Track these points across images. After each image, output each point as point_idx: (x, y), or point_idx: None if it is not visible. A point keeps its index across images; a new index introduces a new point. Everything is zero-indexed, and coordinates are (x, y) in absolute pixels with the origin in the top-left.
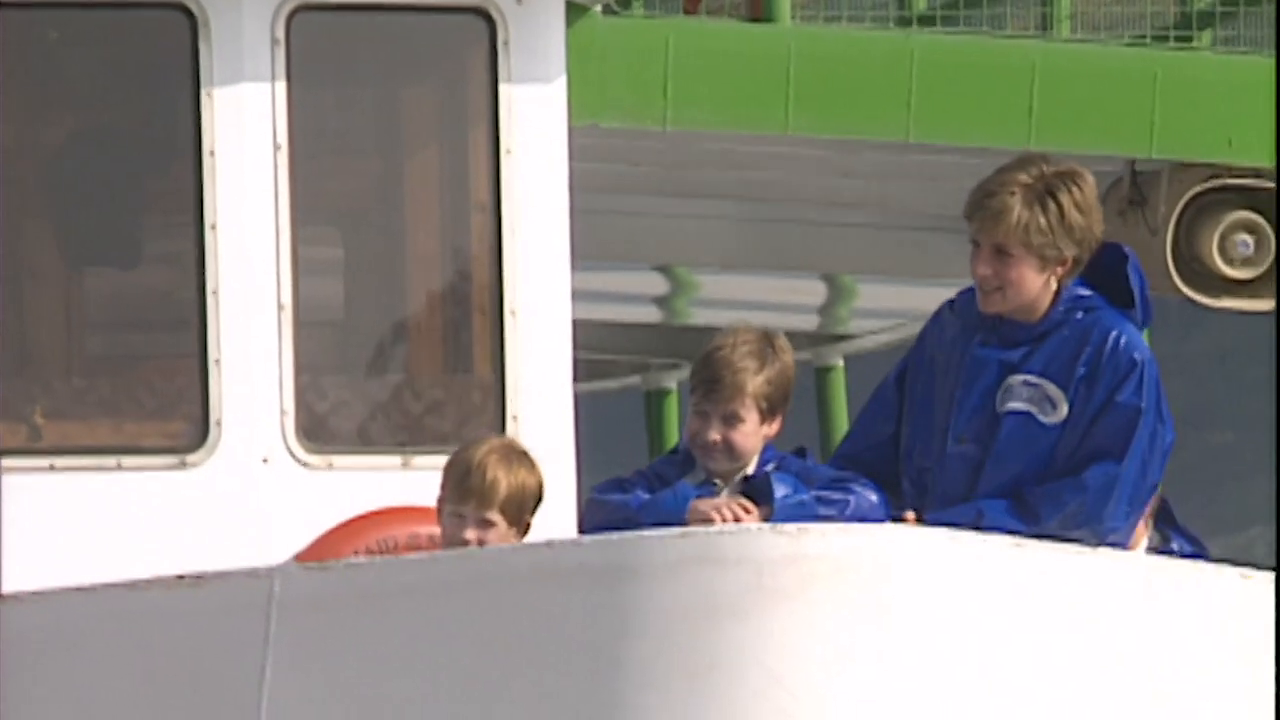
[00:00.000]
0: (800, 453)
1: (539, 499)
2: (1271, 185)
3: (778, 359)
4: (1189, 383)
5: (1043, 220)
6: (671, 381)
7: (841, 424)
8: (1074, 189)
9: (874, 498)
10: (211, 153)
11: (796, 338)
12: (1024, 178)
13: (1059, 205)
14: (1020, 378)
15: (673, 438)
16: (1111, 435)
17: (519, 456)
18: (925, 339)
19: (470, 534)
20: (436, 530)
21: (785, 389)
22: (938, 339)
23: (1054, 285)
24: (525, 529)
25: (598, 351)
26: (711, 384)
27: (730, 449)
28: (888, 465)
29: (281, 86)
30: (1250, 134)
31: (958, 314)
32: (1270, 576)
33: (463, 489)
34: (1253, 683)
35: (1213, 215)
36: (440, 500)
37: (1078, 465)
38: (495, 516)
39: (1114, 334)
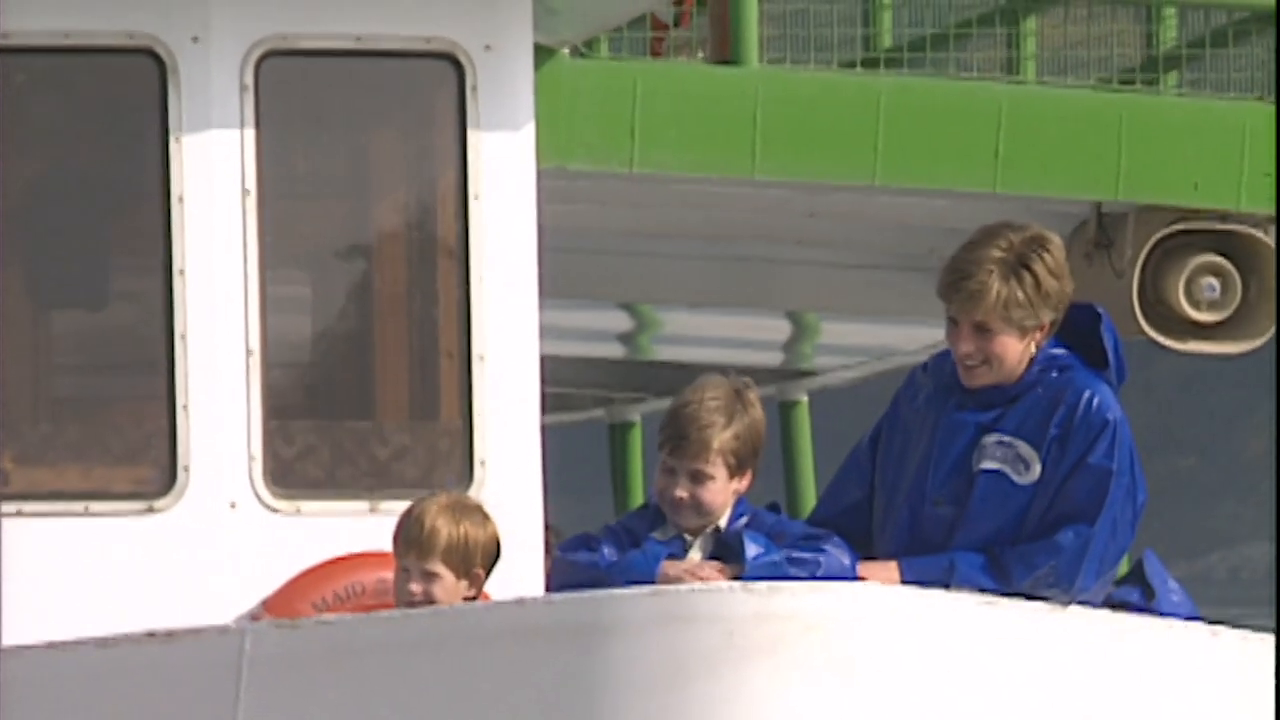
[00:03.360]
0: (774, 508)
1: (494, 554)
2: (1237, 229)
3: (746, 413)
4: (1152, 408)
5: (1020, 294)
6: (635, 414)
7: (806, 458)
8: (1045, 255)
9: (845, 557)
10: (180, 198)
11: (760, 373)
12: (996, 253)
13: (1034, 275)
14: (994, 437)
15: (636, 469)
16: (1084, 497)
17: (465, 509)
18: (899, 402)
19: (415, 587)
20: None
21: (754, 443)
22: (910, 402)
23: (1033, 350)
24: (478, 583)
25: (562, 385)
26: (678, 440)
27: (698, 506)
28: (861, 529)
29: (250, 132)
30: (1216, 177)
31: (930, 376)
32: (1239, 634)
33: (405, 541)
34: None
35: (1179, 258)
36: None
37: (1050, 527)
38: (438, 568)
39: (1087, 394)
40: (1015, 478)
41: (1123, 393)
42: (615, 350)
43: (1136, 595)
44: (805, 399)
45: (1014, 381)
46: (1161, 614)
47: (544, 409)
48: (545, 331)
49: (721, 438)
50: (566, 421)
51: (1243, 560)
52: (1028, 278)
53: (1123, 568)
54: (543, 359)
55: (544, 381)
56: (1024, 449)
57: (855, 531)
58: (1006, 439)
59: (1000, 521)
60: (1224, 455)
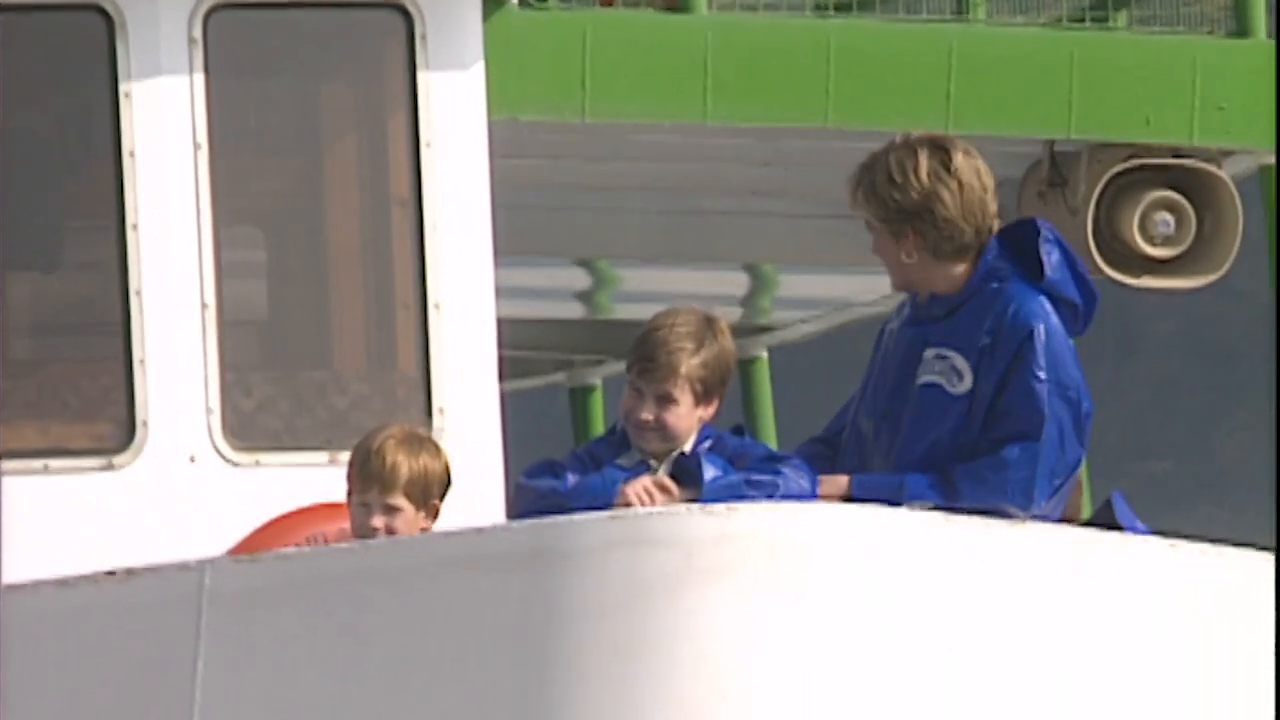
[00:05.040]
0: (738, 431)
1: (446, 483)
2: (1190, 163)
3: (716, 342)
4: (1126, 412)
5: (860, 195)
6: (596, 378)
7: (767, 415)
8: (892, 161)
9: (804, 479)
10: (131, 153)
11: None
12: (863, 161)
13: (872, 179)
14: (933, 351)
15: (599, 433)
16: (1023, 412)
17: (420, 441)
18: (887, 322)
19: (377, 521)
20: None
21: (723, 372)
22: (892, 321)
23: (913, 256)
24: (434, 513)
25: (521, 349)
26: (646, 363)
27: (663, 429)
28: None
29: (200, 85)
30: (1168, 113)
31: (910, 297)
32: (1197, 547)
33: (364, 476)
34: (1182, 654)
35: (1132, 195)
36: (348, 493)
37: (995, 443)
38: (400, 501)
39: (1013, 304)
40: (950, 389)
41: (1093, 396)
42: (574, 309)
43: None
44: (765, 355)
45: (955, 292)
46: None
47: (504, 374)
48: (501, 291)
49: (690, 364)
50: (527, 387)
51: None
52: (865, 181)
53: (1086, 507)
54: (501, 321)
55: (502, 345)
56: (958, 360)
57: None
58: (945, 351)
59: (938, 433)
60: (1198, 460)
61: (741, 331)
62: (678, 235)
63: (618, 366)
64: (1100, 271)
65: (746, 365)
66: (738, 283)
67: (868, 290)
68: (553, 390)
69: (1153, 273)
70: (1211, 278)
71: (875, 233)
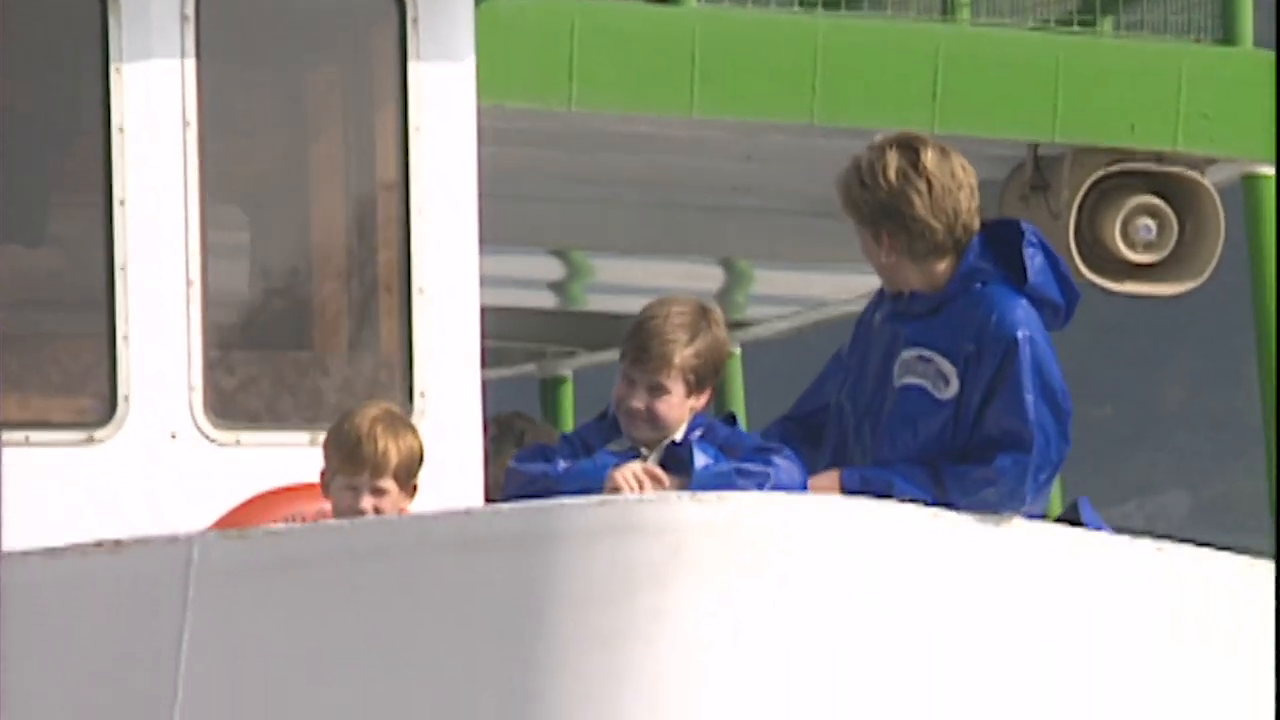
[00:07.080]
0: (730, 419)
1: (422, 461)
2: (1173, 170)
3: (710, 332)
4: (1067, 355)
5: (840, 198)
6: (567, 369)
7: (739, 410)
8: (863, 163)
9: (795, 469)
10: (120, 129)
11: None
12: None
13: (848, 182)
14: (915, 352)
15: (568, 425)
16: (1012, 424)
17: (402, 421)
18: (866, 311)
19: (366, 503)
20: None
21: (715, 363)
22: (871, 313)
23: (892, 257)
24: (413, 492)
25: (494, 338)
26: (639, 352)
27: (654, 418)
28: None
29: (191, 64)
30: (1153, 119)
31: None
32: (1181, 549)
33: (355, 460)
34: (1166, 655)
35: (1115, 200)
36: (326, 473)
37: (986, 452)
38: (389, 484)
39: (996, 311)
40: (936, 394)
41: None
42: (547, 299)
43: None
44: (738, 350)
45: (938, 290)
46: None
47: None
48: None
49: (683, 354)
50: (498, 377)
51: (1158, 509)
52: (843, 185)
53: (1055, 506)
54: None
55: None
56: (944, 365)
57: (823, 430)
58: (927, 354)
59: (924, 437)
60: (1140, 404)
61: None
62: (655, 227)
63: (589, 359)
64: (1081, 276)
65: None
66: (713, 277)
67: (843, 289)
68: (523, 380)
69: (1134, 278)
70: (1192, 284)
71: (860, 235)
